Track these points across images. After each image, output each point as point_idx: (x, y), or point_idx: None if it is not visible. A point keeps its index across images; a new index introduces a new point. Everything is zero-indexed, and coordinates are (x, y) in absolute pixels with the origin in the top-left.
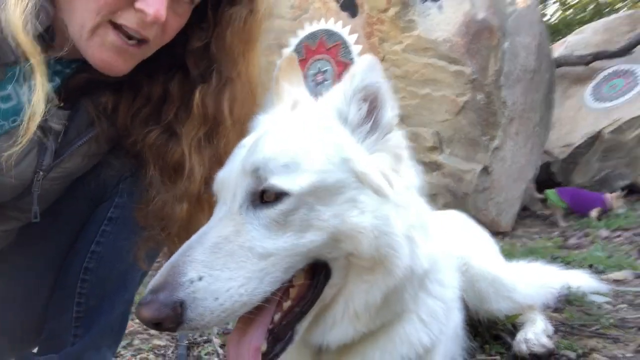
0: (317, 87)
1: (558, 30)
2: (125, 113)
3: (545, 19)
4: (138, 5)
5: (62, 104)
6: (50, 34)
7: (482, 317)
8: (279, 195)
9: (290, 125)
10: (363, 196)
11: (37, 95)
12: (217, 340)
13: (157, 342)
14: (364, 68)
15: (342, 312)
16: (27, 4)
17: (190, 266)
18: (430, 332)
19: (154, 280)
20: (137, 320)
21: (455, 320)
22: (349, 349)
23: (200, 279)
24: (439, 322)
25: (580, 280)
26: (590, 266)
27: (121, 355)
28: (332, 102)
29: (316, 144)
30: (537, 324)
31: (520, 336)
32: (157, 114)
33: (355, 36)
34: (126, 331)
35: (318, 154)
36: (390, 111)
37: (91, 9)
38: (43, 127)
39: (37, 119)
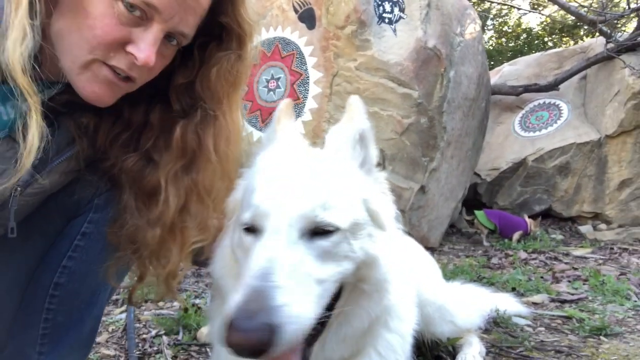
0: (268, 93)
1: (491, 57)
2: (104, 136)
3: None
4: (129, 49)
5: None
6: (36, 61)
7: (427, 339)
8: (328, 231)
9: (322, 167)
10: (375, 231)
11: (33, 133)
12: (169, 352)
13: (105, 351)
14: (361, 110)
15: (333, 335)
16: (27, 44)
17: (277, 292)
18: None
19: (241, 304)
20: None
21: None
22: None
23: (286, 304)
24: (396, 356)
25: (506, 303)
26: (513, 289)
27: None
28: (343, 145)
29: (349, 186)
30: (474, 347)
31: (459, 358)
32: (137, 140)
33: (310, 48)
34: None
35: (352, 196)
36: (374, 150)
37: (84, 48)
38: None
39: (33, 156)
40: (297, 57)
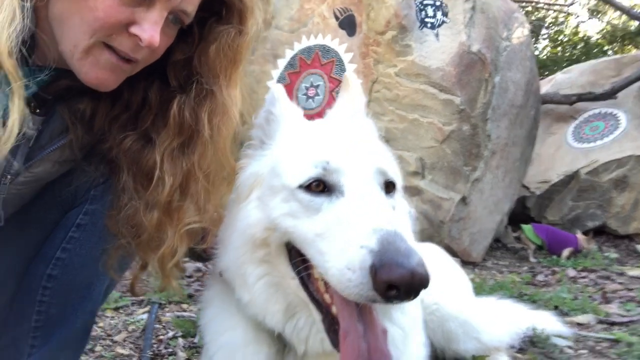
0: (307, 100)
1: (546, 66)
2: (103, 118)
3: (535, 53)
4: (133, 30)
5: (38, 110)
6: (30, 48)
7: (448, 356)
8: (390, 190)
9: (366, 133)
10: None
11: (13, 119)
12: (182, 354)
13: (120, 350)
14: (359, 85)
15: None
16: (15, 27)
17: (405, 237)
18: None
19: (387, 246)
20: (101, 325)
21: (418, 355)
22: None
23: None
24: (397, 349)
25: (545, 321)
26: (556, 307)
27: None
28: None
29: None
30: None
31: None
32: (135, 120)
33: (350, 55)
34: None
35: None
36: None
37: (85, 31)
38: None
39: (11, 142)
40: (336, 64)
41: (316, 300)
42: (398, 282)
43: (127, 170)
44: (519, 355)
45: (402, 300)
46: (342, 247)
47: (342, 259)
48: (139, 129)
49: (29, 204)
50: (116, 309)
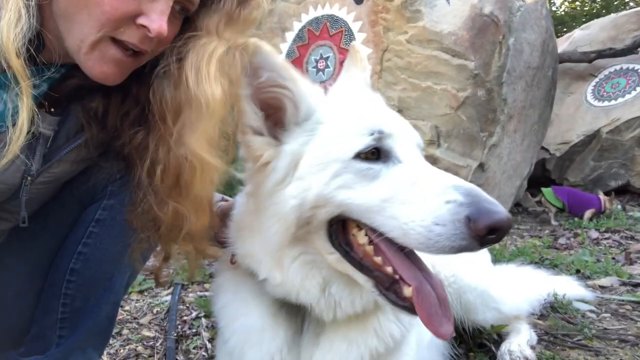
0: (317, 73)
1: (564, 23)
2: (115, 115)
3: (552, 9)
4: (140, 21)
5: (52, 110)
6: (37, 46)
7: (468, 326)
8: None
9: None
10: None
11: (22, 118)
12: (206, 334)
13: (146, 333)
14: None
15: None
16: (22, 27)
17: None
18: (400, 324)
19: (484, 195)
20: (126, 309)
21: None
22: (326, 332)
23: None
24: (400, 327)
25: (567, 287)
26: (578, 271)
27: (110, 344)
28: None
29: None
30: (522, 335)
31: (504, 347)
32: (145, 116)
33: (359, 24)
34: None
35: None
36: None
37: (92, 26)
38: (33, 132)
39: (21, 141)
40: (345, 34)
41: (363, 267)
42: (498, 226)
43: (140, 165)
44: (539, 321)
45: (496, 242)
46: (424, 206)
47: (428, 216)
48: (148, 124)
49: (50, 202)
50: (141, 291)
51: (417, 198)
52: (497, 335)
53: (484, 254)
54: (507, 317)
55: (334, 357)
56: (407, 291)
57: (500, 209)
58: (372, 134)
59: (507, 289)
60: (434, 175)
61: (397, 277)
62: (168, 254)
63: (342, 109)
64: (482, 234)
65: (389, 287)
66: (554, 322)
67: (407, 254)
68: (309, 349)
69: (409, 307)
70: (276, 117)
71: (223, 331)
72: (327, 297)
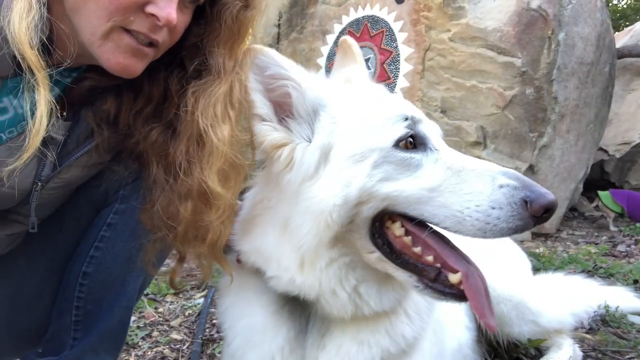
0: None
1: (626, 16)
2: (127, 113)
3: (613, 2)
4: (149, 9)
5: (63, 114)
6: (49, 44)
7: (502, 339)
8: None
9: None
10: None
11: (41, 110)
12: None
13: (174, 336)
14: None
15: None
16: (33, 16)
17: None
18: (413, 326)
19: (529, 179)
20: (160, 310)
21: (459, 338)
22: (332, 333)
23: None
24: (421, 318)
25: (621, 298)
26: (635, 281)
27: (139, 346)
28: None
29: None
30: (564, 350)
31: None
32: (159, 112)
33: (400, 23)
34: (147, 321)
35: None
36: None
37: (101, 16)
38: (44, 138)
39: (42, 134)
40: (386, 35)
41: (404, 262)
42: (552, 207)
43: (157, 163)
44: (587, 336)
45: (545, 222)
46: (477, 192)
47: (483, 201)
48: (163, 120)
49: (63, 206)
50: (176, 293)
51: (468, 185)
52: (536, 349)
53: (521, 261)
54: (547, 331)
55: (344, 358)
56: (454, 278)
57: (549, 192)
58: (405, 119)
59: (548, 300)
60: (477, 163)
61: (438, 265)
62: (183, 256)
63: (360, 98)
64: (539, 214)
65: (435, 279)
66: (604, 337)
67: (447, 243)
68: (314, 350)
69: (456, 294)
70: (286, 111)
71: (227, 333)
72: (354, 297)
